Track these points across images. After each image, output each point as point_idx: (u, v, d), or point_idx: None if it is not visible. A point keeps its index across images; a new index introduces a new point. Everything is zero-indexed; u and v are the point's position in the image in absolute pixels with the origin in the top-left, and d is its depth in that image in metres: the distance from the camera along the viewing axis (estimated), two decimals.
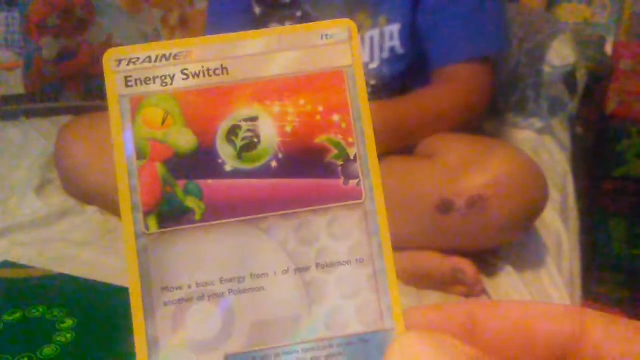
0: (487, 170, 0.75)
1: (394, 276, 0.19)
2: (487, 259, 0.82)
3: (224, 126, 0.20)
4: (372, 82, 0.95)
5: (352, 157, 0.20)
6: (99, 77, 1.32)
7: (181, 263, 0.19)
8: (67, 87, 1.33)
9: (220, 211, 0.19)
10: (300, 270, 0.19)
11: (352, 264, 0.19)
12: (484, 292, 0.78)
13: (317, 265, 0.19)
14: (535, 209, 0.78)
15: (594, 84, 1.32)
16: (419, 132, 0.86)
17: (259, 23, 1.00)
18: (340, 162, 0.20)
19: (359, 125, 0.20)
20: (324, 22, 0.20)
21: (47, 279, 0.77)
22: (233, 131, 0.20)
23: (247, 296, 0.19)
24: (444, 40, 0.92)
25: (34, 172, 1.02)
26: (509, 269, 0.80)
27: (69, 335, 0.66)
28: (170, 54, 0.20)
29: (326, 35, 0.20)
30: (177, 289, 0.19)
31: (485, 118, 1.03)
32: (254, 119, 0.20)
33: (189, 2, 1.32)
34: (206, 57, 0.20)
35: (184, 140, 0.20)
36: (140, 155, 0.20)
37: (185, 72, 0.20)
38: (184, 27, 1.32)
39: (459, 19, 0.91)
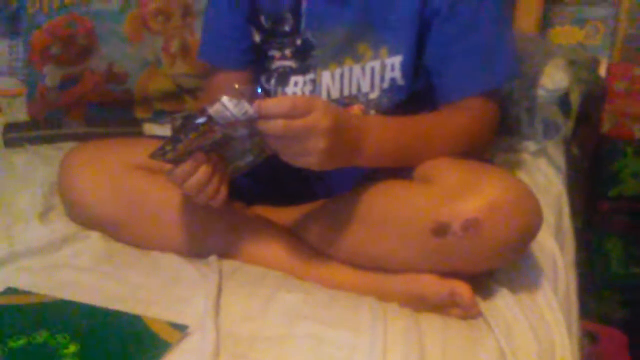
0: (481, 194, 0.76)
1: None
2: (482, 281, 0.83)
3: None
4: (372, 112, 0.95)
5: None
6: (101, 104, 1.33)
7: None
8: (70, 114, 1.34)
9: None
10: None
11: None
12: (480, 314, 0.79)
13: None
14: (529, 232, 0.79)
15: (588, 105, 1.33)
16: (423, 152, 0.85)
17: (259, 50, 1.01)
18: None
19: None
20: None
21: (50, 305, 0.78)
22: None
23: None
24: (455, 76, 0.90)
25: (38, 199, 1.03)
26: (504, 291, 0.81)
27: None
28: None
29: None
30: None
31: (487, 147, 1.00)
32: None
33: (189, 31, 1.33)
34: None
35: None
36: None
37: None
38: (185, 55, 1.33)
39: (471, 53, 0.89)
